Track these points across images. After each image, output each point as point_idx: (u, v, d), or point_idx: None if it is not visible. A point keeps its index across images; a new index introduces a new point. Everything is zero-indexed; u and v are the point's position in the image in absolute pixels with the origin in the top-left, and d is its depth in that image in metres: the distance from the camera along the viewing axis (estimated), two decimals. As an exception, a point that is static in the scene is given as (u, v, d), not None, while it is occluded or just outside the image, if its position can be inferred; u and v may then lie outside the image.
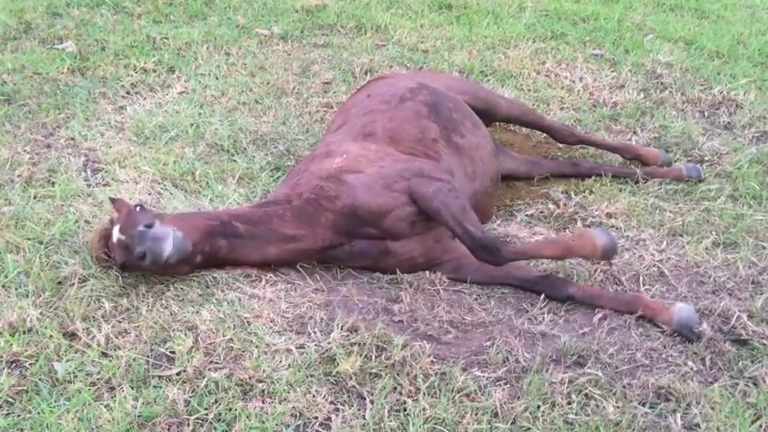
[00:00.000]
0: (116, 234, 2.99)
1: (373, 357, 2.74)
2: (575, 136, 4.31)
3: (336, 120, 3.96)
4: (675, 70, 5.39)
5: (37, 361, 2.65)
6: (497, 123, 4.52)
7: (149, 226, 2.88)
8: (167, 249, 2.85)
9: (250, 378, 2.62)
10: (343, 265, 3.36)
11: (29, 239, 3.26)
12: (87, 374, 2.61)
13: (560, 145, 4.52)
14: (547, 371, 2.74)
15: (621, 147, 4.35)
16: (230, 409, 2.51)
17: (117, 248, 3.01)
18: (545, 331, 3.00)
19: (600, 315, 3.08)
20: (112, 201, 3.32)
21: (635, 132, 4.62)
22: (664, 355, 2.87)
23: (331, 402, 2.57)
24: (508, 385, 2.69)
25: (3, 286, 2.99)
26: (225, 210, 3.41)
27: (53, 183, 3.76)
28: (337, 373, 2.67)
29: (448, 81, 4.32)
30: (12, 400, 2.52)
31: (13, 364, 2.66)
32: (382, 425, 2.49)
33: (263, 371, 2.65)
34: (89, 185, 3.78)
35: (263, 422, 2.46)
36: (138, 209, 3.04)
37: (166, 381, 2.61)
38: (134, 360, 2.66)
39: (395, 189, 3.23)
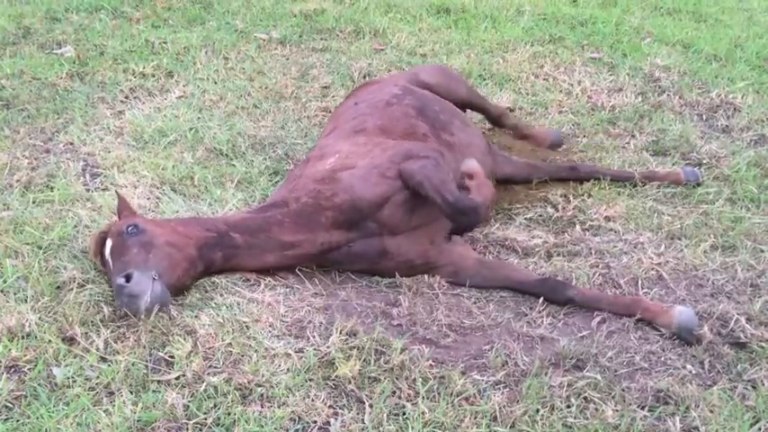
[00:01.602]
0: (107, 250, 2.97)
1: (372, 361, 2.74)
2: (508, 119, 4.51)
3: (328, 126, 4.02)
4: (673, 73, 5.40)
5: (36, 366, 2.65)
6: (497, 127, 4.55)
7: (128, 278, 2.73)
8: (143, 306, 2.76)
9: (249, 382, 2.62)
10: (341, 269, 3.36)
11: (28, 244, 3.26)
12: (86, 379, 2.61)
13: (559, 149, 4.54)
14: (546, 374, 2.73)
15: (512, 125, 4.55)
16: (229, 414, 2.50)
17: (106, 264, 3.00)
18: (544, 335, 3.00)
19: (599, 318, 3.08)
20: (119, 198, 3.26)
21: (633, 135, 4.63)
22: (662, 359, 2.87)
23: (330, 406, 2.56)
24: (507, 389, 2.69)
25: (1, 291, 2.99)
26: (223, 217, 3.38)
27: (52, 187, 3.76)
28: (336, 377, 2.67)
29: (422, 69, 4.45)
30: (10, 405, 2.52)
31: (12, 369, 2.66)
32: (381, 429, 2.49)
33: (262, 375, 2.65)
34: (88, 190, 3.78)
35: (263, 426, 2.46)
36: (129, 229, 2.95)
37: (165, 385, 2.61)
38: (133, 365, 2.66)
39: (388, 176, 3.24)
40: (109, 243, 2.98)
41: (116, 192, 3.34)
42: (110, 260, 2.95)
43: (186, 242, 3.01)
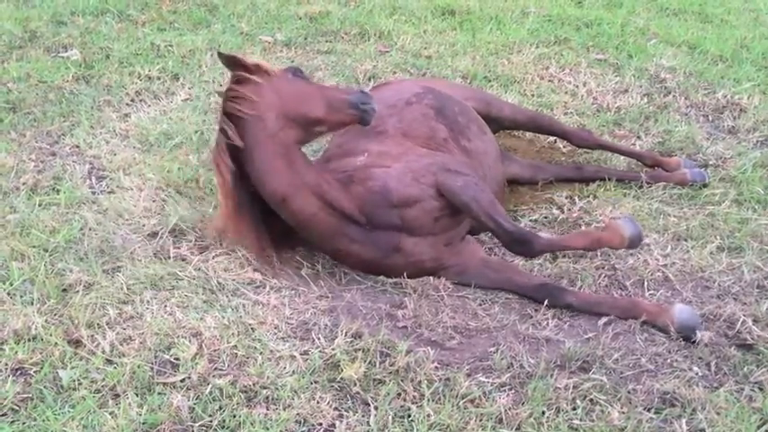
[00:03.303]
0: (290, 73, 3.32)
1: (377, 363, 2.74)
2: (593, 140, 4.28)
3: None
4: (679, 74, 5.38)
5: (42, 368, 2.65)
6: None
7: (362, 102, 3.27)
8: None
9: (254, 384, 2.62)
10: (351, 253, 3.31)
11: (34, 247, 3.27)
12: (92, 381, 2.62)
13: (564, 150, 4.53)
14: (551, 376, 2.73)
15: (644, 154, 4.33)
16: (234, 416, 2.51)
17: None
18: (549, 336, 2.99)
19: (604, 320, 3.07)
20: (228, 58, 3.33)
21: (639, 137, 4.62)
22: (669, 361, 2.86)
23: (335, 409, 2.57)
24: (513, 391, 2.68)
25: (8, 294, 3.00)
26: None
27: (58, 190, 3.77)
28: (341, 379, 2.67)
29: (452, 87, 4.33)
30: (17, 408, 2.53)
31: (18, 372, 2.67)
32: (387, 431, 2.48)
33: (268, 377, 2.65)
34: (94, 193, 3.80)
35: (268, 428, 2.46)
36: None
37: (171, 387, 2.61)
38: (138, 367, 2.67)
39: (422, 182, 3.26)
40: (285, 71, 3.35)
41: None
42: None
43: None
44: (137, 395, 2.57)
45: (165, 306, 2.99)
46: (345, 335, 2.86)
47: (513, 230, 3.14)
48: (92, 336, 2.80)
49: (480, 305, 3.24)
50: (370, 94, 3.35)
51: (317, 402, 2.57)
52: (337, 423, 2.51)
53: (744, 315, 3.06)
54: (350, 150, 3.50)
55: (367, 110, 3.26)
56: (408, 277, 3.32)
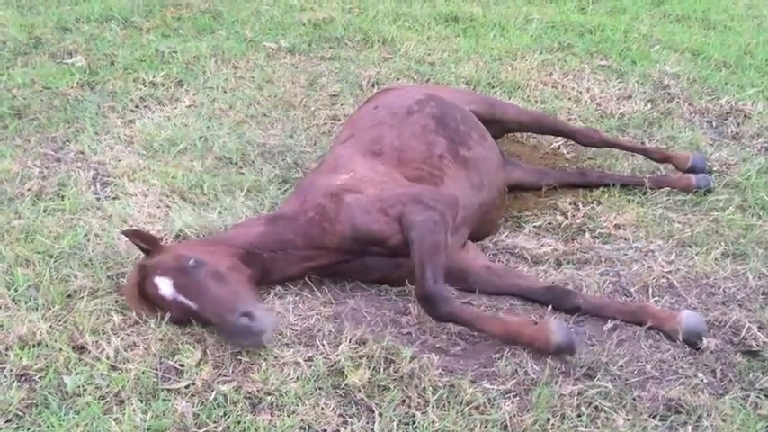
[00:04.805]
0: (169, 290, 2.86)
1: (382, 370, 2.73)
2: (599, 138, 4.28)
3: (344, 131, 3.95)
4: (682, 81, 5.38)
5: (46, 374, 2.65)
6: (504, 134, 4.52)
7: (249, 316, 2.69)
8: (266, 339, 2.76)
9: (258, 391, 2.62)
10: (357, 279, 3.36)
11: (39, 253, 3.28)
12: (96, 388, 2.61)
13: (568, 156, 4.52)
14: (556, 383, 2.72)
15: (651, 149, 4.34)
16: (239, 422, 2.50)
17: (173, 305, 2.86)
18: (554, 343, 2.98)
19: (609, 326, 3.06)
20: (130, 234, 3.08)
21: (642, 143, 4.62)
22: (674, 367, 2.85)
23: (340, 415, 2.56)
24: (517, 398, 2.67)
25: (13, 300, 3.01)
26: (237, 233, 3.29)
27: (63, 196, 3.78)
28: (346, 385, 2.66)
29: (455, 92, 4.33)
30: (21, 414, 2.53)
31: (23, 378, 2.67)
32: (391, 438, 2.48)
33: (272, 383, 2.65)
34: (98, 199, 3.80)
35: (272, 435, 2.46)
36: (192, 263, 2.87)
37: (175, 394, 2.61)
38: (143, 373, 2.66)
39: (390, 214, 3.19)
40: (168, 282, 2.87)
41: (122, 232, 3.21)
42: (182, 299, 2.85)
43: (237, 263, 3.04)
44: (141, 401, 2.57)
45: (170, 312, 2.98)
46: (350, 341, 2.85)
47: (429, 287, 2.94)
48: (96, 342, 2.80)
49: (484, 311, 3.23)
50: (255, 317, 2.71)
51: (322, 409, 2.56)
52: (341, 429, 2.50)
53: (749, 321, 3.06)
54: (341, 165, 3.47)
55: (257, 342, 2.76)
56: (411, 283, 3.32)
